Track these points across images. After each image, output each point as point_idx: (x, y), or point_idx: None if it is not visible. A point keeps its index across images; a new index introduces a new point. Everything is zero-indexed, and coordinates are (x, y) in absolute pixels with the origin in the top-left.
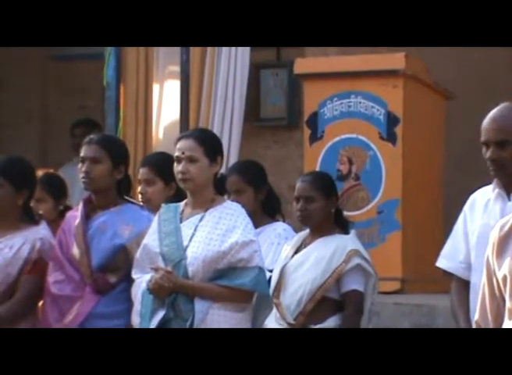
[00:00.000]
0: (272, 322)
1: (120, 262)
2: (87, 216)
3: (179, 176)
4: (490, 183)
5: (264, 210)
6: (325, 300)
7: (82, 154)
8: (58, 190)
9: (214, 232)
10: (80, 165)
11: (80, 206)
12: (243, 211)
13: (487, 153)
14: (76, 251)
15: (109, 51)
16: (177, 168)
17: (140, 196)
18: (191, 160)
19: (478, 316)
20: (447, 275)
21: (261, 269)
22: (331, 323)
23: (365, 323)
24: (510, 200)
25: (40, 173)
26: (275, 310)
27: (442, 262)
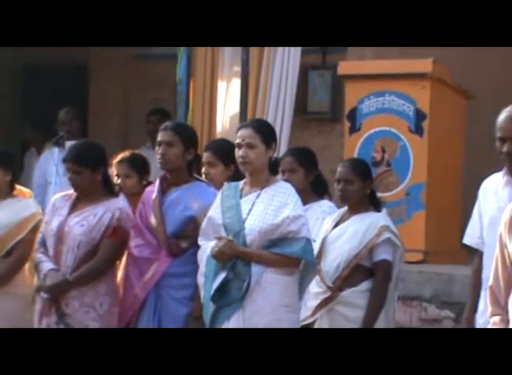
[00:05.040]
0: (314, 285)
1: (190, 230)
2: (163, 192)
3: (239, 160)
4: (500, 170)
5: (313, 190)
6: (359, 267)
7: (159, 138)
8: (142, 168)
9: (268, 207)
10: (157, 148)
11: (157, 183)
12: (293, 190)
13: (503, 147)
14: (153, 220)
15: (181, 53)
16: (238, 153)
17: (203, 176)
18: (250, 146)
19: (492, 282)
20: (471, 249)
21: (308, 240)
22: (364, 286)
23: (393, 288)
24: None
25: (127, 153)
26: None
27: (466, 240)
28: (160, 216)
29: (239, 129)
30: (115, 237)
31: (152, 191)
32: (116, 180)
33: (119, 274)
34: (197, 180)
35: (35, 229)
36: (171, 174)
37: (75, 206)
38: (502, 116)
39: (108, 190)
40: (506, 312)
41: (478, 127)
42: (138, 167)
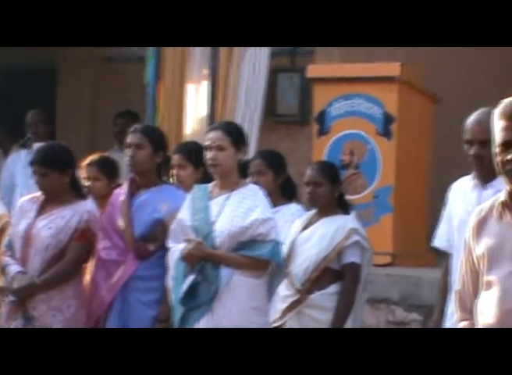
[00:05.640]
0: (283, 288)
1: (158, 233)
2: (132, 194)
3: (209, 162)
4: (469, 173)
5: (282, 193)
6: (328, 270)
7: (128, 141)
8: (111, 170)
9: (238, 210)
10: (126, 150)
11: (126, 185)
12: (262, 193)
13: (471, 150)
14: (121, 222)
15: (150, 55)
16: (208, 155)
17: (173, 178)
18: (220, 148)
19: (460, 286)
20: (439, 251)
21: (277, 243)
22: (332, 289)
23: (361, 291)
24: (485, 189)
25: (96, 156)
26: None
27: (435, 242)
28: (128, 218)
29: (209, 131)
30: (83, 240)
31: (121, 193)
32: (85, 183)
33: (87, 277)
34: (165, 183)
35: (1, 231)
36: (140, 177)
37: (43, 209)
38: (470, 119)
39: (77, 192)
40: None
41: (446, 131)
42: (107, 170)
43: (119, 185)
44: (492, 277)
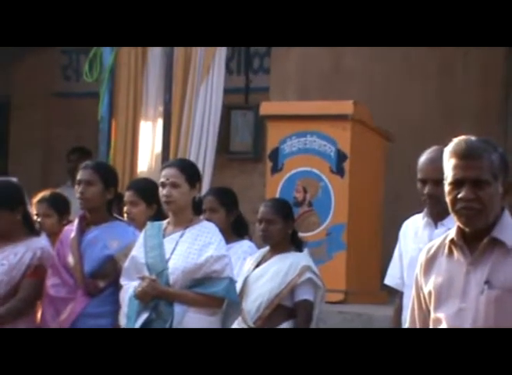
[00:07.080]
0: (235, 325)
1: (108, 269)
2: (82, 231)
3: (163, 199)
4: (420, 211)
5: (234, 230)
6: (281, 307)
7: (78, 177)
8: (62, 207)
9: (192, 247)
10: (76, 186)
11: (76, 222)
12: (217, 230)
13: (425, 189)
14: (70, 259)
15: (103, 90)
16: (162, 192)
17: (125, 215)
18: (174, 185)
19: (409, 324)
20: (391, 289)
21: (231, 280)
22: (284, 327)
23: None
24: (436, 228)
25: (47, 192)
26: None
27: (387, 280)
28: (78, 255)
29: (163, 168)
30: (36, 277)
31: (71, 230)
32: (36, 220)
33: (39, 314)
34: (116, 220)
35: None
36: (90, 213)
37: None
38: (422, 158)
39: (30, 228)
40: None
41: (398, 168)
42: (58, 207)
43: (70, 222)
44: (440, 315)
